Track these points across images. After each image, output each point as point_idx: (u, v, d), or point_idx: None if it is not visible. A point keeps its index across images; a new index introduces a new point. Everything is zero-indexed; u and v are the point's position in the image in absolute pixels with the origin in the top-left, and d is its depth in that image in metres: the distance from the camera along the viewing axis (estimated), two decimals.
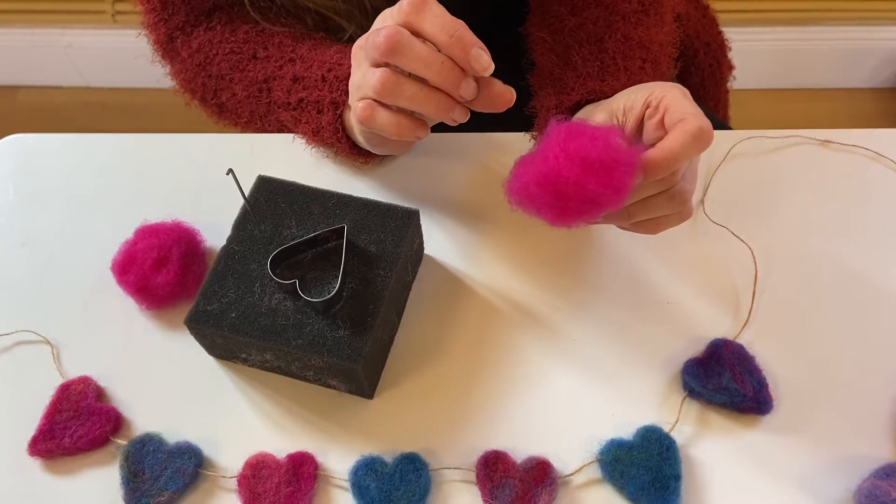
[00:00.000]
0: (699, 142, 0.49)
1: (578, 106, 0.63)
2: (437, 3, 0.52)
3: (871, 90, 1.79)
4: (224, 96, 0.71)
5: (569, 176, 0.49)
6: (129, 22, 1.69)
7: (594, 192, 0.49)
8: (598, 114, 0.58)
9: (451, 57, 0.52)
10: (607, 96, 0.60)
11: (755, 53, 1.69)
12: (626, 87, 0.58)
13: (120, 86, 1.83)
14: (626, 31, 0.66)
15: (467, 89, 0.53)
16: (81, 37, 1.74)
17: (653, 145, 0.50)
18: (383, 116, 0.55)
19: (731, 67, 1.01)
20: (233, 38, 0.70)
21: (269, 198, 0.62)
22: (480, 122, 0.76)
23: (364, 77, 0.55)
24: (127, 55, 1.71)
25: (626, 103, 0.56)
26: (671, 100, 0.52)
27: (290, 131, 0.70)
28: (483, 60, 0.51)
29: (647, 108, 0.53)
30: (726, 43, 0.99)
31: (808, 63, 1.73)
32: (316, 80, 0.64)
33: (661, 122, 0.52)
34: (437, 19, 0.51)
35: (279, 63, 0.67)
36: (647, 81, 0.57)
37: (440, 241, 0.67)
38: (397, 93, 0.53)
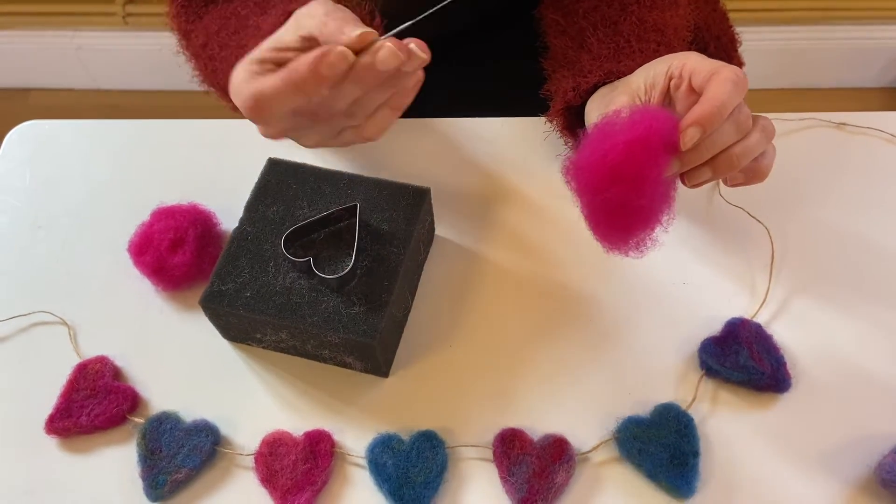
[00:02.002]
0: (738, 87, 0.49)
1: (595, 88, 0.63)
2: None
3: (879, 89, 1.78)
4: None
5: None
6: (140, 24, 1.70)
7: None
8: (618, 97, 0.57)
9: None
10: (623, 76, 0.60)
11: (764, 53, 1.68)
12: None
13: (130, 88, 1.84)
14: (641, 15, 0.66)
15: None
16: (92, 39, 1.75)
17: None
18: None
19: (741, 63, 1.00)
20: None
21: (281, 179, 0.62)
22: (495, 106, 0.76)
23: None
24: (138, 57, 1.74)
25: (647, 80, 0.55)
26: (694, 63, 0.51)
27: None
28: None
29: (671, 79, 0.53)
30: (736, 38, 0.98)
31: (816, 62, 1.73)
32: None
33: (690, 87, 0.51)
34: None
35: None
36: None
37: (452, 223, 0.67)
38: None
